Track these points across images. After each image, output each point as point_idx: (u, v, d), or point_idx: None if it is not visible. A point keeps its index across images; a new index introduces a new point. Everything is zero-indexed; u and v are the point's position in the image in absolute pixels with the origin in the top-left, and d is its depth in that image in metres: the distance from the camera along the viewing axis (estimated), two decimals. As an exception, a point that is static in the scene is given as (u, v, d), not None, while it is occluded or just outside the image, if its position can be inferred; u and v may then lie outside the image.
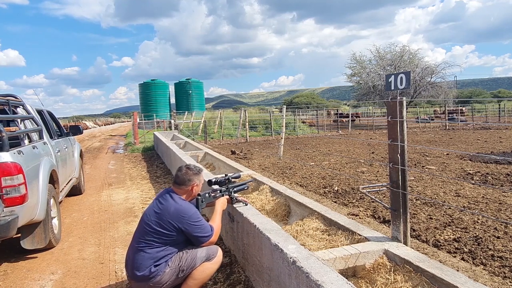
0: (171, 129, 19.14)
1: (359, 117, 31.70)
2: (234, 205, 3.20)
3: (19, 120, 4.27)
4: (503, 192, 5.15)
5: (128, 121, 66.64)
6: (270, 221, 2.78)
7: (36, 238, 3.76)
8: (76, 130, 6.43)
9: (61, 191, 4.92)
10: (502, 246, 3.26)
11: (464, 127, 20.69)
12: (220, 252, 2.68)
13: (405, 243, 2.62)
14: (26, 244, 3.72)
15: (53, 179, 4.39)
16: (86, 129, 38.23)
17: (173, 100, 37.76)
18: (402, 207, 2.62)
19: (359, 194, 5.18)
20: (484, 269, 2.86)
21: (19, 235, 3.69)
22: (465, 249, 3.23)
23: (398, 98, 2.57)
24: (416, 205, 4.60)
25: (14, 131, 3.85)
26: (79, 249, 4.07)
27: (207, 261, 2.57)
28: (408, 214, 2.65)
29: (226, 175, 3.20)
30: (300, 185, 6.13)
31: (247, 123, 17.10)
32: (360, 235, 2.79)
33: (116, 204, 5.99)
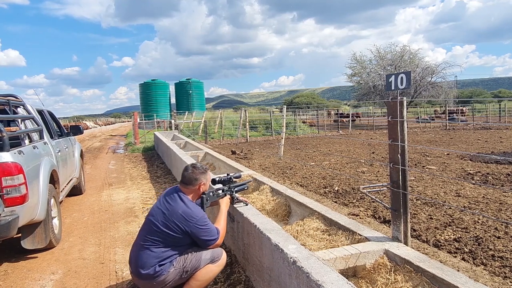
0: (171, 129, 19.15)
1: (359, 117, 31.68)
2: (235, 205, 3.20)
3: (19, 120, 4.27)
4: (503, 192, 5.14)
5: (128, 121, 66.69)
6: (270, 221, 2.78)
7: (37, 238, 3.76)
8: (76, 130, 6.44)
9: (61, 191, 4.92)
10: (503, 246, 3.25)
11: (464, 127, 20.68)
12: (224, 255, 2.68)
13: (406, 243, 2.62)
14: (26, 244, 3.72)
15: (53, 179, 4.39)
16: (86, 129, 38.24)
17: (173, 100, 37.78)
18: (402, 207, 2.62)
19: (360, 194, 5.18)
20: (485, 269, 2.86)
21: (20, 235, 3.69)
22: (465, 249, 3.23)
23: (399, 98, 2.57)
24: (417, 205, 4.60)
25: (15, 131, 3.85)
26: (79, 249, 4.07)
27: (211, 263, 2.57)
28: (409, 214, 2.65)
29: (228, 174, 3.21)
30: (301, 185, 6.12)
31: (247, 123, 17.10)
32: (360, 235, 2.79)
33: (116, 204, 5.99)
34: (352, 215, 4.25)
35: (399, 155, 2.59)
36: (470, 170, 6.92)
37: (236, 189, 3.22)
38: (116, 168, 10.17)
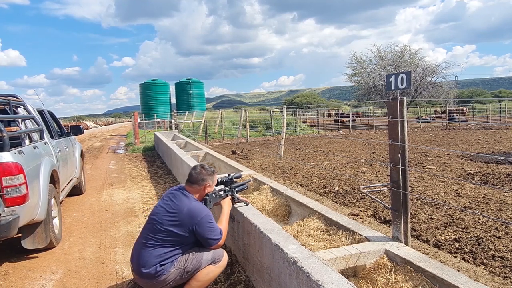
0: (171, 129, 19.15)
1: (359, 117, 31.67)
2: (235, 205, 3.20)
3: (20, 120, 4.28)
4: (504, 192, 5.14)
5: (128, 121, 66.67)
6: (270, 221, 2.78)
7: (37, 238, 3.76)
8: (76, 130, 6.44)
9: (62, 191, 4.92)
10: (503, 246, 3.25)
11: (464, 127, 20.67)
12: (225, 256, 2.68)
13: (406, 243, 2.61)
14: (27, 244, 3.72)
15: (54, 179, 4.39)
16: (86, 129, 38.24)
17: (173, 100, 37.79)
18: (402, 207, 2.62)
19: (360, 194, 5.18)
20: (485, 269, 2.86)
21: (20, 235, 3.69)
22: (466, 249, 3.23)
23: (399, 98, 2.57)
24: (417, 205, 4.60)
25: (15, 131, 3.85)
26: (80, 249, 4.07)
27: (212, 264, 2.57)
28: (409, 214, 2.65)
29: (229, 175, 3.21)
30: (301, 185, 6.12)
31: (247, 123, 17.10)
32: (360, 235, 2.79)
33: (116, 204, 5.99)
34: (352, 215, 4.25)
35: (399, 155, 2.59)
36: (471, 170, 6.92)
37: (236, 189, 3.22)
38: (117, 168, 10.17)
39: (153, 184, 7.41)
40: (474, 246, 3.29)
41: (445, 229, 3.73)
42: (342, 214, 3.40)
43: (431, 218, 4.09)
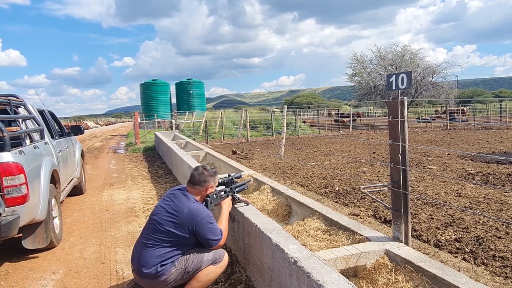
0: (172, 129, 19.15)
1: (360, 117, 31.65)
2: (236, 205, 3.20)
3: (20, 120, 4.28)
4: (504, 192, 5.14)
5: (129, 121, 66.70)
6: (271, 221, 2.78)
7: (38, 238, 3.76)
8: (77, 130, 6.44)
9: (62, 191, 4.92)
10: (504, 246, 3.25)
11: (465, 127, 20.66)
12: (226, 257, 2.68)
13: (406, 243, 2.61)
14: (27, 244, 3.72)
15: (54, 179, 4.40)
16: (87, 129, 38.27)
17: (174, 100, 37.79)
18: (403, 207, 2.61)
19: (360, 194, 5.18)
20: (486, 270, 2.85)
21: (21, 235, 3.69)
22: (466, 249, 3.23)
23: (399, 98, 2.56)
24: (417, 205, 4.60)
25: (16, 131, 3.85)
26: (80, 249, 4.07)
27: (213, 265, 2.57)
28: (409, 214, 2.65)
29: (229, 175, 3.21)
30: (301, 185, 6.12)
31: (248, 123, 17.10)
32: (361, 235, 2.79)
33: (117, 204, 5.99)
34: (352, 215, 4.25)
35: (399, 155, 2.59)
36: (471, 170, 6.92)
37: (237, 189, 3.22)
38: (117, 168, 10.18)
39: (153, 184, 7.41)
40: (474, 246, 3.29)
41: (446, 229, 3.73)
42: (342, 214, 3.40)
43: (432, 218, 4.09)
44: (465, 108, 31.68)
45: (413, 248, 2.63)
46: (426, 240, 3.48)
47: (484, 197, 4.90)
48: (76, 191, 6.57)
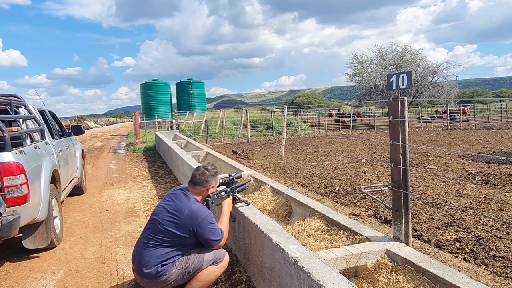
0: (172, 129, 19.15)
1: (360, 117, 31.64)
2: (236, 205, 3.20)
3: (21, 120, 4.28)
4: (505, 192, 5.13)
5: (129, 121, 66.69)
6: (271, 221, 2.78)
7: (38, 238, 3.76)
8: (77, 130, 6.45)
9: (62, 191, 4.93)
10: (504, 246, 3.25)
11: (466, 127, 20.65)
12: (227, 257, 2.68)
13: (407, 243, 2.61)
14: (28, 243, 3.72)
15: (55, 179, 4.40)
16: (87, 129, 38.28)
17: (174, 100, 37.79)
18: (403, 207, 2.61)
19: (361, 194, 5.17)
20: (486, 270, 2.85)
21: (21, 234, 3.70)
22: (467, 249, 3.22)
23: (400, 98, 2.56)
24: (418, 205, 4.59)
25: (16, 131, 3.86)
26: (80, 248, 4.08)
27: (213, 265, 2.57)
28: (410, 214, 2.64)
29: (230, 175, 3.21)
30: (302, 185, 6.12)
31: (248, 123, 17.10)
32: (361, 235, 2.79)
33: (117, 204, 6.00)
34: (353, 215, 4.25)
35: (400, 155, 2.59)
36: (472, 170, 6.91)
37: (237, 189, 3.22)
38: (117, 168, 10.18)
39: (154, 184, 7.42)
40: (475, 246, 3.29)
41: (446, 229, 3.73)
42: (343, 214, 3.40)
43: (432, 218, 4.09)
44: (465, 108, 31.67)
45: (414, 248, 2.63)
46: (426, 240, 3.48)
47: (485, 197, 4.90)
48: (77, 191, 6.58)
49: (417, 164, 7.89)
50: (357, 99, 35.02)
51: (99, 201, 6.30)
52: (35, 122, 4.58)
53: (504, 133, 15.46)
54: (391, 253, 2.48)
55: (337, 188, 5.70)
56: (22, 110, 4.51)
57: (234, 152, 10.67)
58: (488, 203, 4.61)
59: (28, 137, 4.21)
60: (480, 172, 6.69)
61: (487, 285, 2.42)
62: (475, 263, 2.99)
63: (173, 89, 37.44)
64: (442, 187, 5.56)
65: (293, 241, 2.35)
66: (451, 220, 4.01)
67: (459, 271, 2.59)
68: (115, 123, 68.99)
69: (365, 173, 7.05)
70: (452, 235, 3.57)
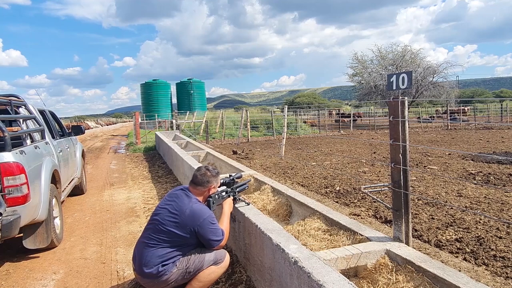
0: (172, 129, 19.15)
1: (360, 117, 31.64)
2: (236, 205, 3.20)
3: (21, 120, 4.29)
4: (505, 192, 5.13)
5: (129, 121, 66.69)
6: (271, 221, 2.78)
7: (38, 238, 3.77)
8: (78, 130, 6.45)
9: (63, 191, 4.93)
10: (505, 246, 3.25)
11: (466, 127, 20.64)
12: (227, 257, 2.68)
13: (407, 243, 2.61)
14: (28, 243, 3.72)
15: (55, 179, 4.40)
16: (88, 129, 38.29)
17: (174, 100, 37.79)
18: (404, 207, 2.61)
19: (361, 194, 5.17)
20: (486, 270, 2.85)
21: (21, 234, 3.70)
22: (467, 249, 3.22)
23: (400, 98, 2.56)
24: (418, 205, 4.59)
25: (16, 131, 3.86)
26: (81, 248, 4.08)
27: (214, 265, 2.57)
28: (410, 214, 2.64)
29: (230, 175, 3.21)
30: (302, 185, 6.12)
31: (248, 123, 17.10)
32: (361, 235, 2.79)
33: (118, 204, 6.00)
34: (353, 215, 4.25)
35: (400, 155, 2.59)
36: (472, 170, 6.91)
37: (238, 189, 3.22)
38: (118, 168, 10.18)
39: (154, 184, 7.42)
40: (475, 246, 3.28)
41: (446, 229, 3.73)
42: (343, 214, 3.40)
43: (432, 218, 4.09)
44: (465, 108, 31.67)
45: (414, 248, 2.63)
46: (426, 240, 3.48)
47: (485, 197, 4.90)
48: (77, 191, 6.58)
49: (417, 164, 7.88)
50: (357, 99, 35.01)
51: (99, 201, 6.30)
52: (35, 122, 4.58)
53: (504, 133, 15.46)
54: (391, 253, 2.48)
55: (337, 188, 5.70)
56: (22, 110, 4.51)
57: (234, 152, 10.67)
58: (488, 203, 4.61)
59: (29, 137, 4.21)
60: (480, 172, 6.69)
61: (487, 285, 2.42)
62: (475, 263, 2.99)
63: (173, 89, 37.48)
64: (442, 187, 5.56)
65: (293, 241, 2.35)
66: (451, 220, 4.01)
67: (460, 271, 2.59)
68: (115, 123, 68.99)
69: (365, 173, 7.05)
70: (452, 235, 3.57)
